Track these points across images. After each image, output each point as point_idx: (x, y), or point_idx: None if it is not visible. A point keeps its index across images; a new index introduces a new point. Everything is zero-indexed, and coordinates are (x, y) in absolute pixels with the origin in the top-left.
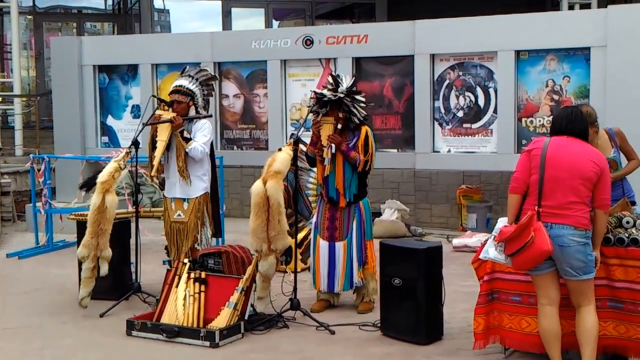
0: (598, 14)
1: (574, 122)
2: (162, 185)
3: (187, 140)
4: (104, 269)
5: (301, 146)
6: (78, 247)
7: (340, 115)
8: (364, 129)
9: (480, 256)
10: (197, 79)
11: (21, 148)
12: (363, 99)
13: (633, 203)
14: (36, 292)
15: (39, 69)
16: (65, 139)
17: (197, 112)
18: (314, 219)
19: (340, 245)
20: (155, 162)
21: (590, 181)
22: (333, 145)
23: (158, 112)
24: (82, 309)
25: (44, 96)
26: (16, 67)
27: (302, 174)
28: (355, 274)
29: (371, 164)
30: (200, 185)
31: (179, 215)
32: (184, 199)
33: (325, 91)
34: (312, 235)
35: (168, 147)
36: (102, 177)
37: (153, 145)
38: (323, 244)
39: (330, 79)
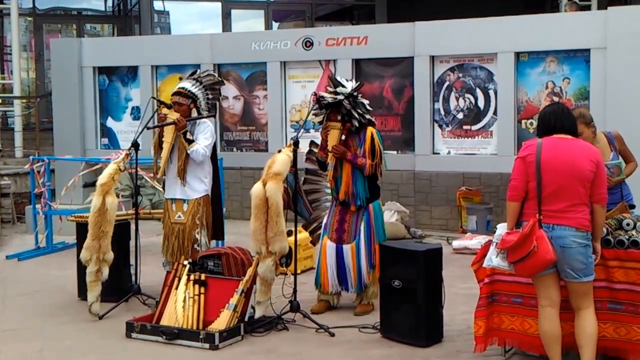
0: (598, 15)
1: (562, 118)
2: (164, 187)
3: (190, 142)
4: (105, 274)
5: (312, 148)
6: (78, 248)
7: (339, 118)
8: (369, 131)
9: (484, 265)
10: (201, 82)
11: (21, 150)
12: (367, 101)
13: (632, 206)
14: (36, 294)
15: (39, 71)
16: (65, 141)
17: (199, 114)
18: (324, 220)
19: (348, 248)
20: (162, 164)
21: (588, 180)
22: None
23: (164, 111)
24: (83, 311)
25: (43, 98)
26: (16, 68)
27: (321, 180)
28: (365, 276)
29: (381, 166)
30: (200, 187)
31: (179, 216)
32: (184, 200)
33: (325, 94)
34: (321, 236)
35: (172, 149)
36: (101, 178)
37: (159, 146)
38: (330, 245)
39: (331, 81)
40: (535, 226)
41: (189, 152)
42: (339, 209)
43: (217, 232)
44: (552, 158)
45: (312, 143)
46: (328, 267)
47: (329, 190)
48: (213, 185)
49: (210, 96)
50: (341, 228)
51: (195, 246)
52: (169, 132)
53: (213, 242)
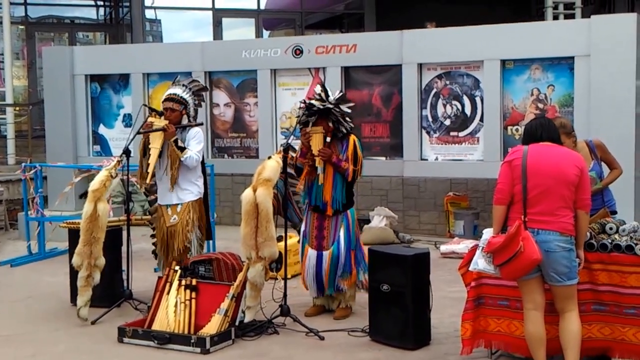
0: (582, 24)
1: (548, 129)
2: (147, 193)
3: (182, 149)
4: (96, 279)
5: (290, 153)
6: (70, 255)
7: (330, 124)
8: (352, 138)
9: (470, 268)
10: (190, 89)
11: (13, 157)
12: (349, 110)
13: (614, 212)
14: (28, 300)
15: (31, 79)
16: (57, 148)
17: (189, 120)
18: (302, 228)
19: (326, 254)
20: (150, 170)
21: (573, 184)
22: None
23: (150, 119)
24: (75, 316)
25: (36, 105)
26: (8, 76)
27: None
28: (339, 281)
29: (360, 172)
30: (194, 189)
31: (175, 219)
32: (178, 204)
33: (313, 101)
34: (300, 244)
35: (160, 155)
36: (93, 185)
37: (144, 152)
38: (312, 253)
39: (318, 89)
40: (521, 227)
41: (182, 159)
42: (316, 215)
43: (206, 234)
44: (538, 162)
45: (290, 147)
46: (307, 274)
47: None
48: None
49: (196, 102)
50: (320, 235)
51: (186, 244)
52: (156, 138)
53: (204, 248)
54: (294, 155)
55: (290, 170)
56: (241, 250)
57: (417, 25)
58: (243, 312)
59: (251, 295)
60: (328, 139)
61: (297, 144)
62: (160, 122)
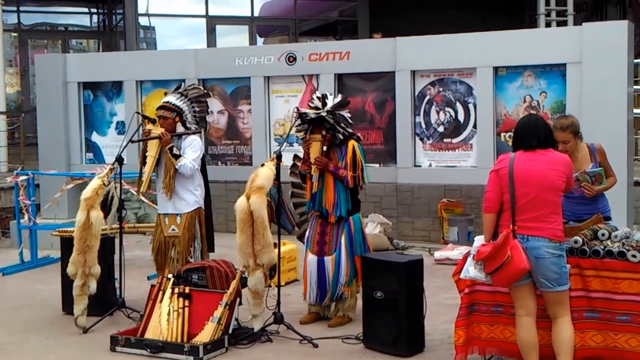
0: (573, 31)
1: (533, 130)
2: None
3: (177, 156)
4: (93, 287)
5: (295, 162)
6: (62, 263)
7: (324, 132)
8: (351, 143)
9: (462, 276)
10: (186, 96)
11: (6, 164)
12: (348, 114)
13: (608, 218)
14: (20, 309)
15: (24, 86)
16: (50, 156)
17: (185, 128)
18: (307, 233)
19: (329, 260)
20: (145, 178)
21: (560, 189)
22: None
23: (148, 127)
24: (67, 325)
25: (28, 113)
26: (1, 84)
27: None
28: (340, 288)
29: (362, 178)
30: (191, 199)
31: (173, 229)
32: (176, 214)
33: (307, 110)
34: (304, 249)
35: (158, 163)
36: (86, 193)
37: (144, 161)
38: (312, 258)
39: (315, 96)
40: (509, 236)
41: (177, 167)
42: (319, 221)
43: (208, 244)
44: (524, 170)
45: (296, 157)
46: (308, 280)
47: None
48: (205, 197)
49: (197, 109)
50: (322, 240)
51: (189, 258)
52: (152, 147)
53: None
54: (299, 163)
55: (295, 179)
56: (238, 259)
57: (410, 33)
58: (236, 319)
59: (255, 304)
60: (325, 148)
61: (290, 151)
62: (157, 130)
